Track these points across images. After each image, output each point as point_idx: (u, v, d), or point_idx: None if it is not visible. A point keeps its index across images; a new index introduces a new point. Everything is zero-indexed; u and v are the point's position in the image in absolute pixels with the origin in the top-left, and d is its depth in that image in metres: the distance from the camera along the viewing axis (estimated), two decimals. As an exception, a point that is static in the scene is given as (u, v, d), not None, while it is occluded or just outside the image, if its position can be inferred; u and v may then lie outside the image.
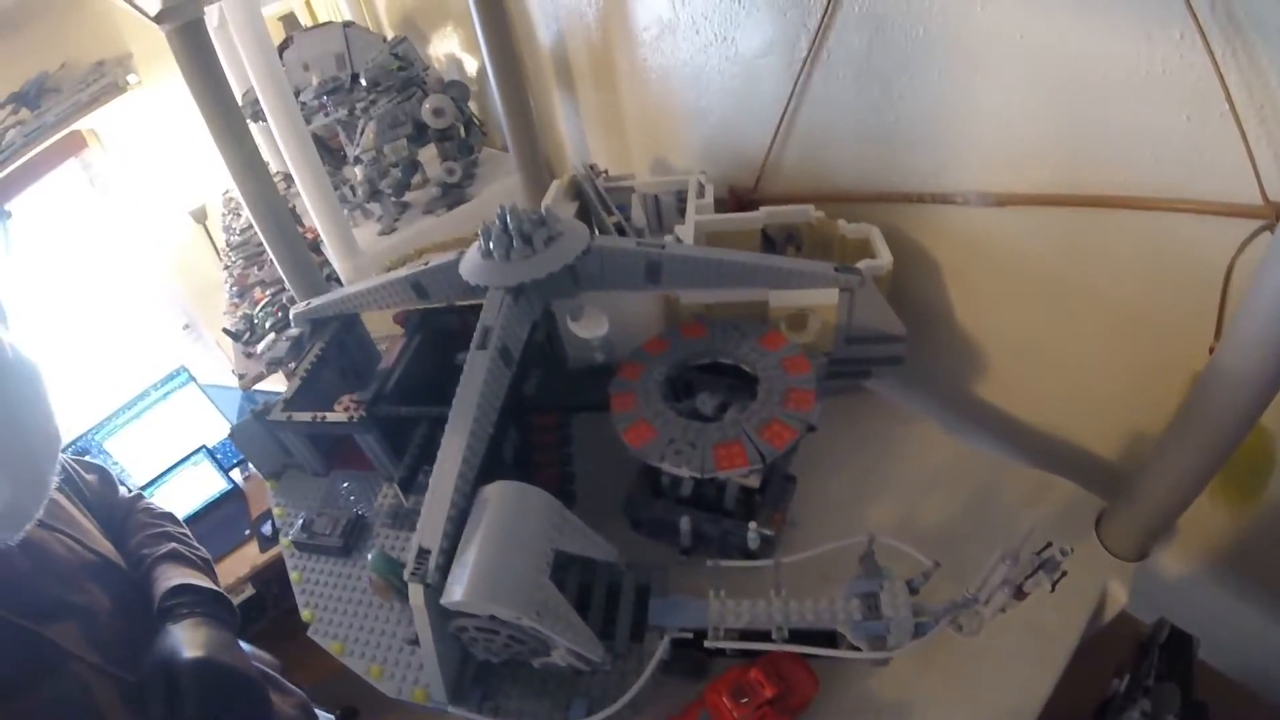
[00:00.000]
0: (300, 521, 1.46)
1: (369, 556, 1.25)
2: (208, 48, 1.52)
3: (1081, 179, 1.26)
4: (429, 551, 1.01)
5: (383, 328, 1.76)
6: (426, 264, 1.50)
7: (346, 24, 2.29)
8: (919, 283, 1.61)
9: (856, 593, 1.06)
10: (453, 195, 2.28)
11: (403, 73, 2.13)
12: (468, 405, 1.17)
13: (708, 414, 1.32)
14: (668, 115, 1.94)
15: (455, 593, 0.99)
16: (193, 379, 3.11)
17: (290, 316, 1.61)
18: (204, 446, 3.01)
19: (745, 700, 1.04)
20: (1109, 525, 1.28)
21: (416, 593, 1.00)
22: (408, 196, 2.32)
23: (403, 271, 1.51)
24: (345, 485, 1.53)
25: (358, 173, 2.15)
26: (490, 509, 1.07)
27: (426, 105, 2.09)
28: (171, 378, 3.11)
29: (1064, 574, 0.94)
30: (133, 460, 3.04)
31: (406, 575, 1.00)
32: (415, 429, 1.36)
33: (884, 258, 1.50)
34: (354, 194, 2.24)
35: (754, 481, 1.24)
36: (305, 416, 1.42)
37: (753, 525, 1.22)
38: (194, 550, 1.53)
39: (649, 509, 1.33)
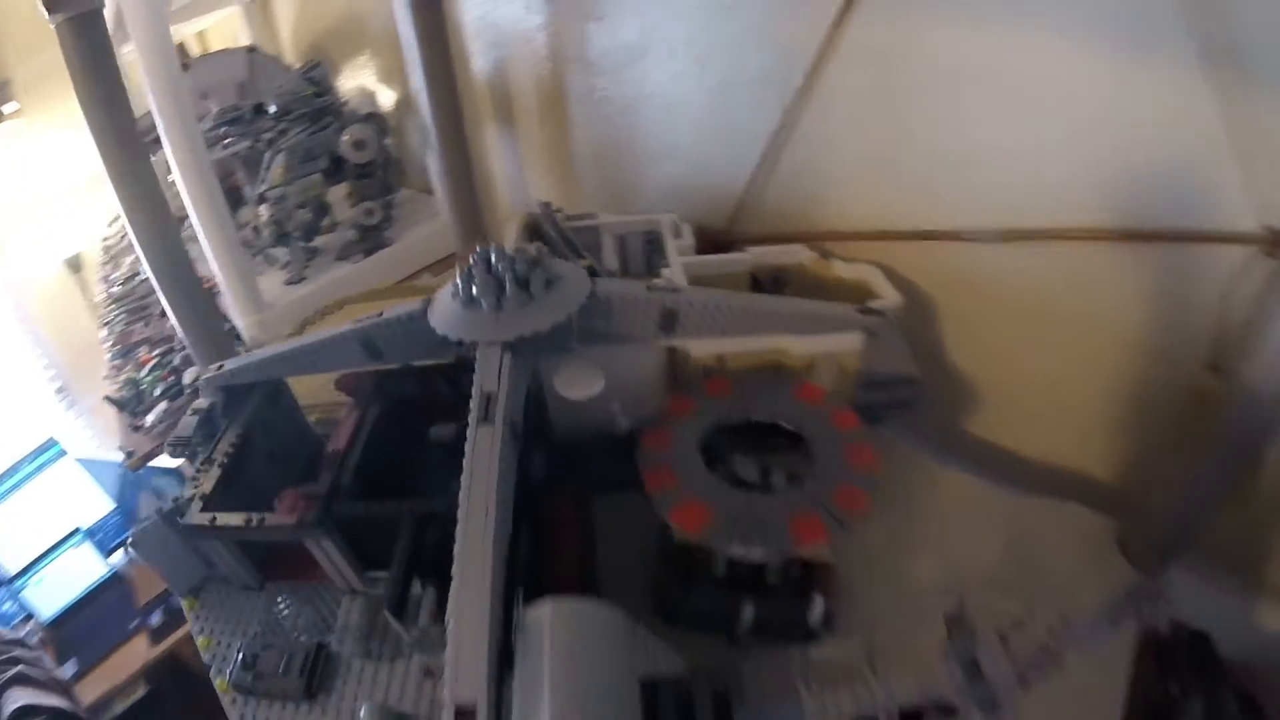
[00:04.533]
0: (240, 657, 1.02)
1: (360, 715, 0.85)
2: (104, 47, 1.08)
3: (1091, 214, 1.11)
4: (472, 712, 0.66)
5: (311, 394, 1.33)
6: (380, 315, 1.11)
7: (250, 49, 1.84)
8: (916, 324, 1.36)
9: (954, 657, 0.84)
10: (371, 239, 1.86)
11: (319, 99, 1.70)
12: (483, 498, 0.80)
13: (752, 481, 1.01)
14: (628, 150, 1.63)
15: None
16: (66, 452, 2.48)
17: (199, 383, 1.16)
18: (79, 528, 2.39)
19: None
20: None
21: None
22: (317, 241, 1.87)
23: (347, 326, 1.11)
24: (283, 603, 1.09)
25: (263, 212, 1.70)
26: (550, 642, 0.72)
27: (346, 137, 1.68)
28: (42, 450, 2.50)
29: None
30: (3, 545, 2.40)
31: None
32: (393, 529, 0.96)
33: (891, 298, 1.26)
34: (257, 236, 1.78)
35: (827, 556, 0.93)
36: (235, 519, 0.98)
37: (819, 598, 0.94)
38: (45, 671, 1.46)
39: (688, 600, 1.00)
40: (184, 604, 1.17)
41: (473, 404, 0.90)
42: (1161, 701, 1.08)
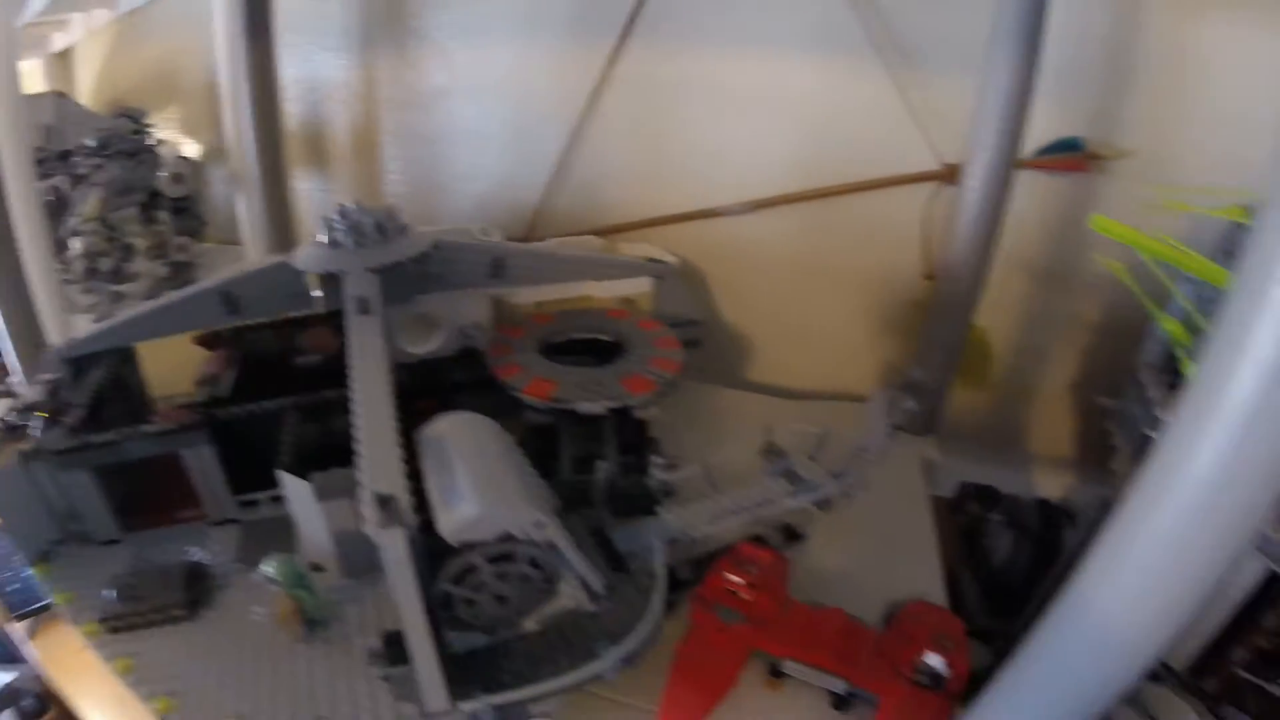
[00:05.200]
0: (112, 593, 1.04)
1: (266, 568, 0.95)
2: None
3: (817, 178, 1.53)
4: (392, 497, 0.76)
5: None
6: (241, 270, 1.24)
7: (58, 93, 1.85)
8: (694, 292, 1.70)
9: (776, 472, 1.10)
10: (182, 277, 1.90)
11: (136, 136, 1.77)
12: (374, 358, 0.97)
13: (583, 377, 1.25)
14: (437, 177, 1.88)
15: (462, 512, 0.77)
16: None
17: (52, 352, 1.20)
18: None
19: (752, 568, 0.98)
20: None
21: (396, 540, 0.74)
22: (122, 287, 1.87)
23: (207, 281, 1.22)
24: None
25: (77, 245, 1.69)
26: (452, 440, 0.89)
27: (164, 172, 1.76)
28: None
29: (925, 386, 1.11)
30: None
31: (373, 526, 0.74)
32: (272, 436, 1.07)
33: (670, 259, 1.58)
34: (67, 271, 1.75)
35: (655, 411, 1.18)
36: (109, 435, 1.04)
37: (658, 461, 1.16)
38: None
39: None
40: (35, 572, 1.14)
41: (347, 308, 1.07)
42: (968, 523, 1.41)
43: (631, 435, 1.23)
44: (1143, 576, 0.63)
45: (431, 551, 0.82)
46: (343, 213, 1.18)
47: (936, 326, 1.42)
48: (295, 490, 0.98)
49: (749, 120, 1.53)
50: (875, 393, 1.10)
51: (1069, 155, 1.35)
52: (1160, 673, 1.10)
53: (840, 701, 0.96)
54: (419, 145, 1.86)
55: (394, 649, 0.85)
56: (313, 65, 1.86)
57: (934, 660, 0.91)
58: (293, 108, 1.90)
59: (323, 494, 0.95)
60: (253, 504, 1.16)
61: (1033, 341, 1.52)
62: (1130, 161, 1.31)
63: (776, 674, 0.99)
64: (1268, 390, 0.51)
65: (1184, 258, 0.97)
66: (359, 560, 1.03)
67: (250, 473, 1.12)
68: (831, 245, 1.56)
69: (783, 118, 1.50)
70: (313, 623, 1.01)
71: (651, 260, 1.45)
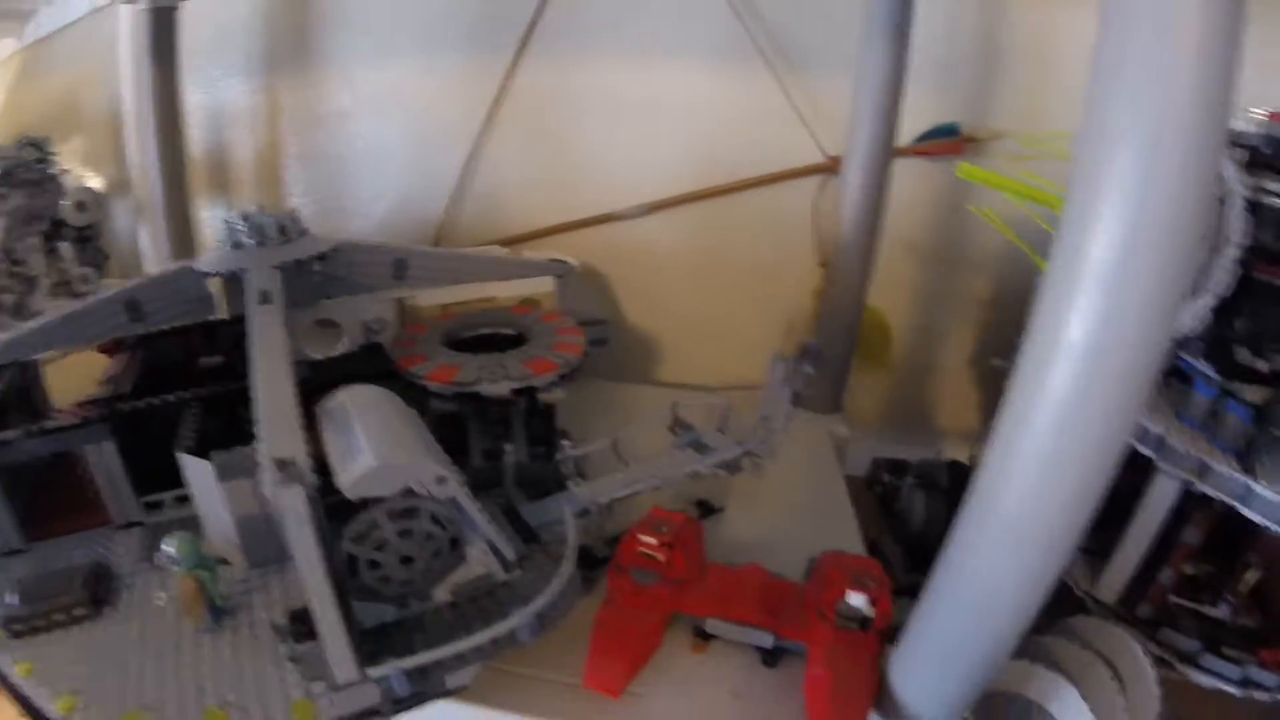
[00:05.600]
0: (10, 598, 1.01)
1: (167, 546, 0.95)
2: None
3: (710, 178, 1.63)
4: (291, 460, 0.76)
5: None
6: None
7: None
8: (599, 295, 1.77)
9: (685, 444, 1.17)
10: (88, 309, 1.87)
11: (39, 165, 1.75)
12: (274, 338, 1.00)
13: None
14: (341, 198, 1.91)
15: (361, 465, 0.79)
16: None
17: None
18: None
19: (665, 528, 1.00)
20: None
21: (295, 498, 0.73)
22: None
23: (109, 291, 1.22)
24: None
25: (-22, 277, 1.66)
26: (351, 405, 0.91)
27: (67, 200, 1.74)
28: None
29: (822, 353, 1.15)
30: None
31: (271, 486, 0.74)
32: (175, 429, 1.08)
33: (573, 261, 1.64)
34: (-30, 302, 1.71)
35: (560, 394, 1.22)
36: (11, 434, 1.03)
37: (566, 444, 1.19)
38: None
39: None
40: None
41: (248, 301, 1.09)
42: (883, 493, 1.48)
43: (539, 426, 1.27)
44: (1035, 461, 0.69)
45: (335, 522, 0.83)
46: (244, 215, 1.22)
47: (833, 309, 1.52)
48: (196, 473, 0.98)
49: (642, 126, 1.62)
50: (773, 361, 1.15)
51: (946, 140, 1.47)
52: (1092, 606, 1.18)
53: (769, 656, 0.99)
54: (322, 167, 1.90)
55: (300, 625, 0.86)
56: (216, 90, 1.89)
57: (857, 600, 0.94)
58: (195, 134, 1.92)
59: (224, 473, 0.95)
60: (157, 505, 1.15)
61: (930, 320, 1.63)
62: (1004, 142, 1.44)
63: (702, 636, 1.01)
64: (1121, 261, 0.59)
65: (1047, 195, 1.07)
66: (264, 549, 1.04)
67: (154, 472, 1.11)
68: (728, 241, 1.66)
69: (674, 122, 1.61)
70: (218, 611, 1.01)
71: (553, 260, 1.51)
